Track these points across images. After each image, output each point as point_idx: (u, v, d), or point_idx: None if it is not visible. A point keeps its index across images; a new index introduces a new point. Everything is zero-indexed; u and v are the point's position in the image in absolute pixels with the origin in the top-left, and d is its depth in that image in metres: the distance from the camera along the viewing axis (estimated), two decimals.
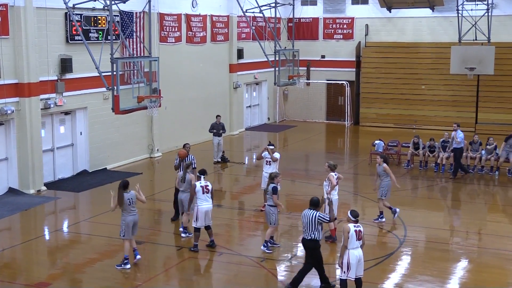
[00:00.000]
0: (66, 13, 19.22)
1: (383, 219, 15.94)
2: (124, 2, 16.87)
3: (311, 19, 33.43)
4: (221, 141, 23.23)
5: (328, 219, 11.84)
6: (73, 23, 19.14)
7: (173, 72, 24.52)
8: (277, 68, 23.97)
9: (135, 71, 19.87)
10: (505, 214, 17.72)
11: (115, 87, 15.61)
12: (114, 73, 15.69)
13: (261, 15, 25.49)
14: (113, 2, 16.38)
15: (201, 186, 13.66)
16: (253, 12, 25.56)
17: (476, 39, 27.97)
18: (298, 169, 22.63)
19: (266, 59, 24.54)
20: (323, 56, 33.44)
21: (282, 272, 12.95)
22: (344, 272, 10.95)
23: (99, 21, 20.71)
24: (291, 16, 27.95)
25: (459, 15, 27.61)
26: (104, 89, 17.18)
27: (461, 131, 20.95)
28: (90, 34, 20.38)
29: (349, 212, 11.26)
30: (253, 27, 27.60)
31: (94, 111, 21.13)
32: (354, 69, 32.58)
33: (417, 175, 21.58)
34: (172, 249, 14.34)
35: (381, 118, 31.79)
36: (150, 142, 23.95)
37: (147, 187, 19.24)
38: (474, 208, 18.05)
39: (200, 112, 26.62)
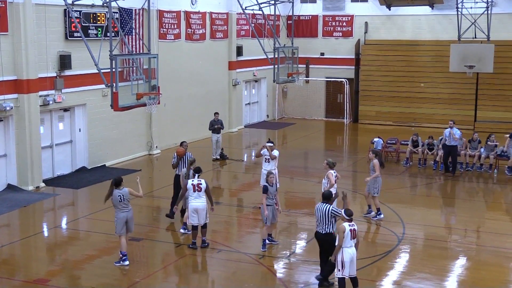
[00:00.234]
0: (65, 9, 19.19)
1: (381, 215, 15.95)
2: None
3: (310, 16, 33.41)
4: (220, 138, 23.22)
5: (341, 213, 11.76)
6: (72, 20, 19.12)
7: (172, 69, 24.50)
8: (276, 66, 23.94)
9: (134, 68, 19.81)
10: (504, 212, 17.73)
11: (114, 84, 15.58)
12: (113, 70, 15.66)
13: (260, 12, 25.44)
14: None
15: (192, 184, 13.65)
16: (253, 10, 25.54)
17: (475, 37, 27.97)
18: (297, 166, 22.62)
19: (265, 57, 24.53)
20: (322, 54, 33.43)
21: (281, 269, 12.95)
22: (339, 270, 10.99)
23: (98, 18, 20.69)
24: (290, 14, 27.92)
25: (459, 13, 27.62)
26: (103, 86, 17.14)
27: (457, 128, 20.98)
28: (89, 31, 20.36)
29: (343, 211, 11.27)
30: (253, 25, 27.58)
31: (93, 107, 21.12)
32: (353, 67, 32.56)
33: (416, 173, 21.59)
34: (171, 246, 14.34)
35: (380, 116, 31.79)
36: (149, 139, 23.94)
37: (146, 184, 19.24)
38: (473, 206, 18.06)
39: (199, 109, 26.60)
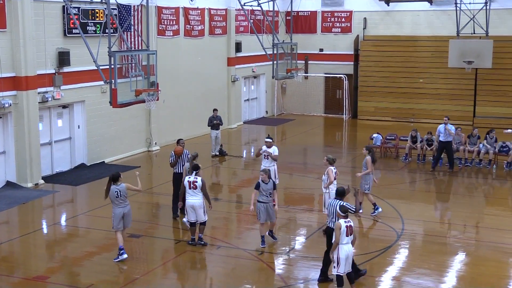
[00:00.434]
0: (63, 6, 19.14)
1: (380, 209, 15.94)
2: None
3: (309, 12, 33.37)
4: (219, 135, 23.21)
5: (354, 209, 11.69)
6: (71, 16, 19.09)
7: (171, 65, 24.47)
8: (275, 62, 23.93)
9: (133, 64, 19.84)
10: (503, 208, 17.71)
11: (113, 80, 15.59)
12: (112, 66, 15.67)
13: (259, 8, 25.43)
14: None
15: (187, 181, 13.65)
16: (251, 6, 25.50)
17: (474, 33, 27.95)
18: (296, 162, 22.61)
19: (264, 53, 24.50)
20: (321, 50, 33.40)
21: (280, 265, 12.96)
22: (334, 267, 11.01)
23: (97, 14, 20.65)
24: (289, 9, 27.87)
25: (457, 8, 27.58)
26: (102, 82, 17.13)
27: (451, 124, 21.01)
28: (87, 27, 20.32)
29: (337, 207, 11.27)
30: (251, 21, 27.55)
31: (92, 104, 21.10)
32: (352, 63, 32.53)
33: (415, 169, 21.60)
34: (170, 242, 14.34)
35: (379, 112, 31.79)
36: (148, 136, 23.93)
37: (145, 181, 19.21)
38: (472, 202, 18.07)
39: (198, 106, 26.59)
